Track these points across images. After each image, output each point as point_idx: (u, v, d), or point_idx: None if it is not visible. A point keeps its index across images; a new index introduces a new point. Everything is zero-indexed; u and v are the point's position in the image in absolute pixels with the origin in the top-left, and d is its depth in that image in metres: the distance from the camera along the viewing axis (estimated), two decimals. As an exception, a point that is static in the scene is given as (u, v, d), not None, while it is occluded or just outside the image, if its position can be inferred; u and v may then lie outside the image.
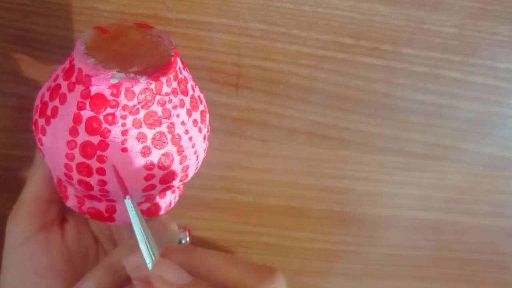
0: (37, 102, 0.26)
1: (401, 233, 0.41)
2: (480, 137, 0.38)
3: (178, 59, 0.25)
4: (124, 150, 0.23)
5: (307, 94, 0.36)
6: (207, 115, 0.27)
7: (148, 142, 0.23)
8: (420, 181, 0.39)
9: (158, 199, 0.27)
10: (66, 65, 0.25)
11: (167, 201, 0.28)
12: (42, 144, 0.25)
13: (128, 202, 0.23)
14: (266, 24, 0.34)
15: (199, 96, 0.27)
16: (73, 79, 0.24)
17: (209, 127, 0.28)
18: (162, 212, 0.28)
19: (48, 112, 0.24)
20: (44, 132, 0.24)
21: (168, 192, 0.28)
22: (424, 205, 0.41)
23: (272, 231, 0.40)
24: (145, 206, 0.27)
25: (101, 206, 0.27)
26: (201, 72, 0.34)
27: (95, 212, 0.27)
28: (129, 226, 0.30)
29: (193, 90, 0.26)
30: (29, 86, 0.34)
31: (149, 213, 0.27)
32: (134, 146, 0.23)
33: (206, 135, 0.27)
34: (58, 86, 0.24)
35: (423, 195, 0.40)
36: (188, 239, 0.30)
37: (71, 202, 0.27)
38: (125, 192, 0.23)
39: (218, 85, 0.35)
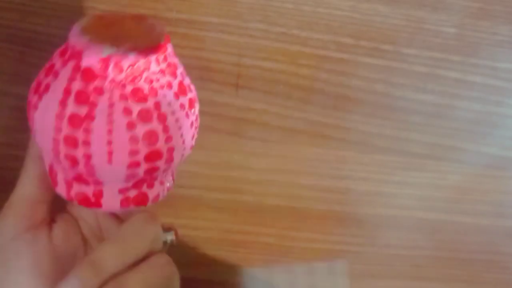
0: (33, 84, 0.27)
1: (401, 233, 0.41)
2: (480, 137, 0.38)
3: (170, 46, 0.26)
4: (110, 122, 0.24)
5: (307, 94, 0.36)
6: (197, 106, 0.28)
7: (134, 117, 0.24)
8: (420, 181, 0.39)
9: (145, 188, 0.28)
10: (62, 47, 0.26)
11: (155, 192, 0.28)
12: (33, 120, 0.26)
13: None
14: (266, 24, 0.34)
15: (188, 85, 0.27)
16: (66, 56, 0.25)
17: (198, 117, 0.28)
18: (149, 202, 0.28)
19: (41, 89, 0.25)
20: (36, 107, 0.25)
21: (157, 183, 0.28)
22: (424, 205, 0.41)
23: (272, 231, 0.40)
24: (132, 193, 0.27)
25: (89, 190, 0.27)
26: (201, 72, 0.34)
27: (82, 197, 0.27)
28: (116, 216, 0.30)
29: (182, 78, 0.27)
30: (29, 86, 0.34)
31: (136, 201, 0.27)
32: (119, 119, 0.24)
33: (194, 123, 0.27)
34: (52, 65, 0.25)
35: (423, 195, 0.40)
36: (174, 239, 0.30)
37: (60, 188, 0.27)
38: None
39: (218, 85, 0.35)
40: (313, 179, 0.39)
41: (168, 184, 0.29)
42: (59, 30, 0.33)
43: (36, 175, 0.29)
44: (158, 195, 0.28)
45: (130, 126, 0.24)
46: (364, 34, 0.35)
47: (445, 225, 0.41)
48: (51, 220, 0.30)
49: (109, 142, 0.24)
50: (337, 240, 0.41)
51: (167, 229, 0.29)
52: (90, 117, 0.24)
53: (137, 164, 0.25)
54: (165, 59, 0.26)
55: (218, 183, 0.38)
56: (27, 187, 0.29)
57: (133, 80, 0.24)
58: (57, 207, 0.31)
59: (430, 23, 0.35)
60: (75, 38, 0.25)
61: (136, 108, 0.24)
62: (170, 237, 0.30)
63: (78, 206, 0.29)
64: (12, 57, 0.33)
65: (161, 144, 0.25)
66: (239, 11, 0.33)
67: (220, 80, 0.35)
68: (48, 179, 0.28)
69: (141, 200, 0.28)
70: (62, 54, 0.25)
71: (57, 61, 0.25)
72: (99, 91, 0.24)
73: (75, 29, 0.25)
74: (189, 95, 0.27)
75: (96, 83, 0.24)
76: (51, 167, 0.28)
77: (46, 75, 0.26)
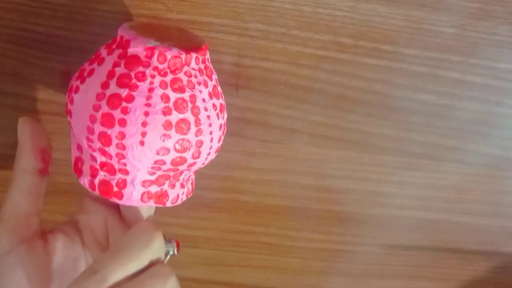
0: (75, 73, 0.28)
1: (401, 233, 0.41)
2: (480, 137, 0.38)
3: (208, 53, 0.28)
4: (148, 105, 0.25)
5: (307, 94, 0.36)
6: (226, 114, 0.29)
7: (170, 104, 0.26)
8: (420, 181, 0.40)
9: (167, 187, 0.28)
10: (109, 41, 0.28)
11: (175, 193, 0.29)
12: (72, 102, 0.27)
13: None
14: (266, 24, 0.34)
15: (221, 93, 0.29)
16: (114, 46, 0.27)
17: (225, 126, 0.29)
18: (168, 203, 0.28)
19: (85, 74, 0.27)
20: (77, 90, 0.26)
21: (178, 184, 0.29)
22: (424, 205, 0.41)
23: (272, 231, 0.40)
24: (154, 189, 0.28)
25: (113, 179, 0.27)
26: (201, 72, 0.34)
27: (106, 186, 0.27)
28: (126, 227, 0.29)
29: (217, 84, 0.29)
30: (29, 86, 0.34)
31: (156, 198, 0.28)
32: (157, 103, 0.25)
33: (223, 127, 0.29)
34: (99, 54, 0.27)
35: (423, 195, 0.40)
36: (176, 250, 0.30)
37: (84, 177, 0.28)
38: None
39: (218, 85, 0.35)
40: (313, 179, 0.39)
41: (187, 190, 0.30)
42: (59, 30, 0.33)
43: (26, 187, 0.28)
44: (177, 197, 0.29)
45: (166, 111, 0.25)
46: (364, 35, 0.35)
47: (445, 225, 0.41)
48: (47, 232, 0.30)
49: (144, 124, 0.25)
50: (337, 240, 0.41)
51: (168, 240, 0.29)
52: (129, 97, 0.25)
53: (167, 151, 0.26)
54: (204, 61, 0.27)
55: (218, 183, 0.38)
56: (17, 200, 0.28)
57: (174, 71, 0.26)
58: (63, 217, 0.31)
59: (430, 23, 0.35)
60: (124, 31, 0.27)
61: (173, 96, 0.26)
62: (171, 248, 0.29)
63: (91, 210, 0.29)
64: (12, 57, 0.33)
65: (191, 135, 0.26)
66: (239, 11, 0.33)
67: (220, 80, 0.35)
68: (38, 191, 0.29)
69: (161, 197, 0.28)
70: (109, 45, 0.27)
71: (103, 51, 0.27)
72: (141, 75, 0.25)
73: (124, 26, 0.27)
74: (221, 101, 0.29)
75: (140, 68, 0.25)
76: (77, 157, 0.28)
77: (91, 63, 0.27)
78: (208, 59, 0.28)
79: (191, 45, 0.27)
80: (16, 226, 0.28)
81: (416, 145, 0.38)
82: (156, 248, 0.26)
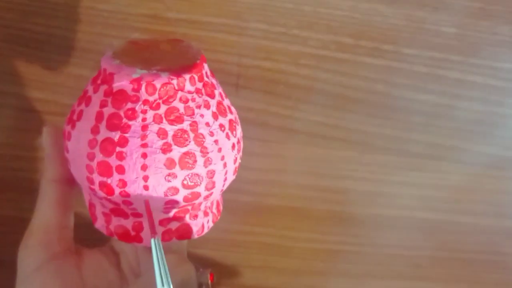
0: (68, 115, 0.26)
1: (401, 233, 0.41)
2: (480, 137, 0.38)
3: (206, 66, 0.25)
4: (144, 146, 0.23)
5: (307, 94, 0.36)
6: (239, 128, 0.26)
7: (169, 139, 0.23)
8: (420, 181, 0.39)
9: (188, 219, 0.26)
10: (95, 73, 0.25)
11: (199, 223, 0.26)
12: (68, 151, 0.25)
13: (153, 243, 0.22)
14: (266, 24, 0.34)
15: (228, 106, 0.26)
16: (99, 81, 0.24)
17: (241, 141, 0.27)
18: (193, 235, 0.26)
19: (75, 117, 0.24)
20: (69, 137, 0.24)
21: (200, 214, 0.26)
22: (424, 205, 0.41)
23: (272, 231, 0.40)
24: (174, 225, 0.25)
25: (128, 223, 0.25)
26: (201, 72, 0.34)
27: (122, 231, 0.25)
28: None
29: (222, 98, 0.26)
30: (29, 86, 0.34)
31: (179, 234, 0.26)
32: (154, 142, 0.23)
33: (236, 146, 0.26)
34: (86, 92, 0.25)
35: (423, 195, 0.40)
36: (209, 283, 0.28)
37: (99, 222, 0.26)
38: (153, 232, 0.22)
39: (218, 85, 0.35)
40: (313, 179, 0.39)
41: (212, 216, 0.28)
42: (59, 30, 0.33)
43: (54, 199, 0.27)
44: (202, 227, 0.27)
45: (166, 148, 0.23)
46: (364, 34, 0.35)
47: (445, 225, 0.41)
48: (80, 250, 0.28)
49: (144, 167, 0.23)
50: (337, 240, 0.41)
51: (201, 271, 0.28)
52: (122, 141, 0.23)
53: (175, 190, 0.23)
54: (201, 78, 0.24)
55: (218, 183, 0.38)
56: (46, 213, 0.26)
57: (167, 100, 0.23)
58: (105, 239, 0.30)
59: (431, 23, 0.35)
60: (107, 61, 0.24)
61: (171, 129, 0.23)
62: (205, 279, 0.28)
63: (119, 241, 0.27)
64: (12, 57, 0.33)
65: (200, 167, 0.23)
66: (239, 11, 0.33)
67: (220, 80, 0.35)
68: (68, 202, 0.27)
69: (184, 232, 0.26)
70: (95, 80, 0.25)
71: (89, 87, 0.24)
72: (132, 113, 0.23)
73: (107, 54, 0.25)
74: (230, 117, 0.26)
75: (129, 105, 0.23)
76: (90, 202, 0.27)
77: (79, 103, 0.25)
78: (206, 73, 0.25)
79: (186, 60, 0.25)
80: (47, 240, 0.26)
81: (416, 145, 0.38)
82: (183, 281, 0.25)
